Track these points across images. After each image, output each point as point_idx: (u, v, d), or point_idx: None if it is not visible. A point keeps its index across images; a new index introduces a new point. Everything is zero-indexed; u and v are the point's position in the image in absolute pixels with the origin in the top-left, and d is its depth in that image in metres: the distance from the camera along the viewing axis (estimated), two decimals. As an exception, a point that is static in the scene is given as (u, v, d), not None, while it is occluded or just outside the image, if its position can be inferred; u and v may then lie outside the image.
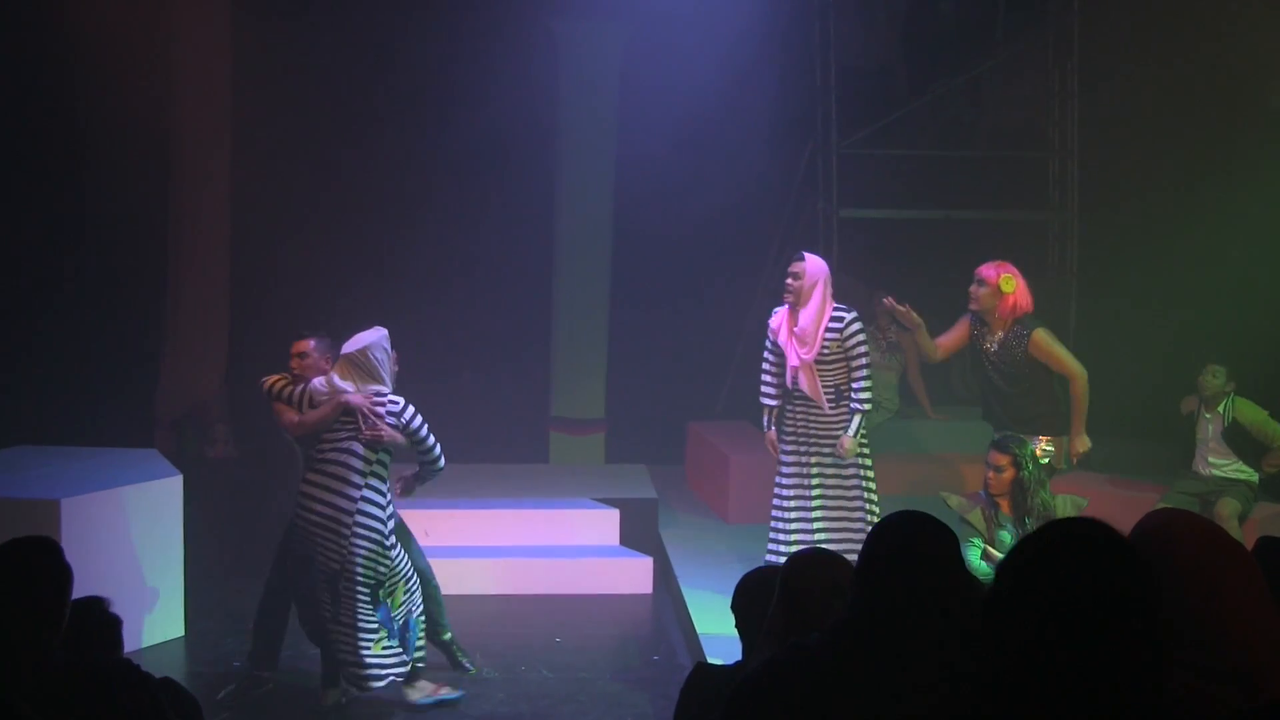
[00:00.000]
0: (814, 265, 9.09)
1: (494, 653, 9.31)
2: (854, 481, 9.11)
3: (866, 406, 9.02)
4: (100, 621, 4.90)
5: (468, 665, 8.96)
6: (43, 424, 12.04)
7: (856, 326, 9.00)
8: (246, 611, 9.07)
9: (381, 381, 8.11)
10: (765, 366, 9.36)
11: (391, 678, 8.17)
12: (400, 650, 8.19)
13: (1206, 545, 3.10)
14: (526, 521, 11.30)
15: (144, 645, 9.12)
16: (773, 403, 9.33)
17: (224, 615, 9.76)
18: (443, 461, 8.31)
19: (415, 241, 13.99)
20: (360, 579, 8.00)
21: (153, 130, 13.71)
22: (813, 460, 9.13)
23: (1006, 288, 8.77)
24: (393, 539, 8.17)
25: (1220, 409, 10.12)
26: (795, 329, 9.04)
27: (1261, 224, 11.59)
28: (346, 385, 8.05)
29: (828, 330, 8.97)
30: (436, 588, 8.82)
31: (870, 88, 13.74)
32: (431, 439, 8.20)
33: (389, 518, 8.15)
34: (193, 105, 13.81)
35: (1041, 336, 8.81)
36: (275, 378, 8.30)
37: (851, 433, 8.97)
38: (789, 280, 9.09)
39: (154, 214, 13.85)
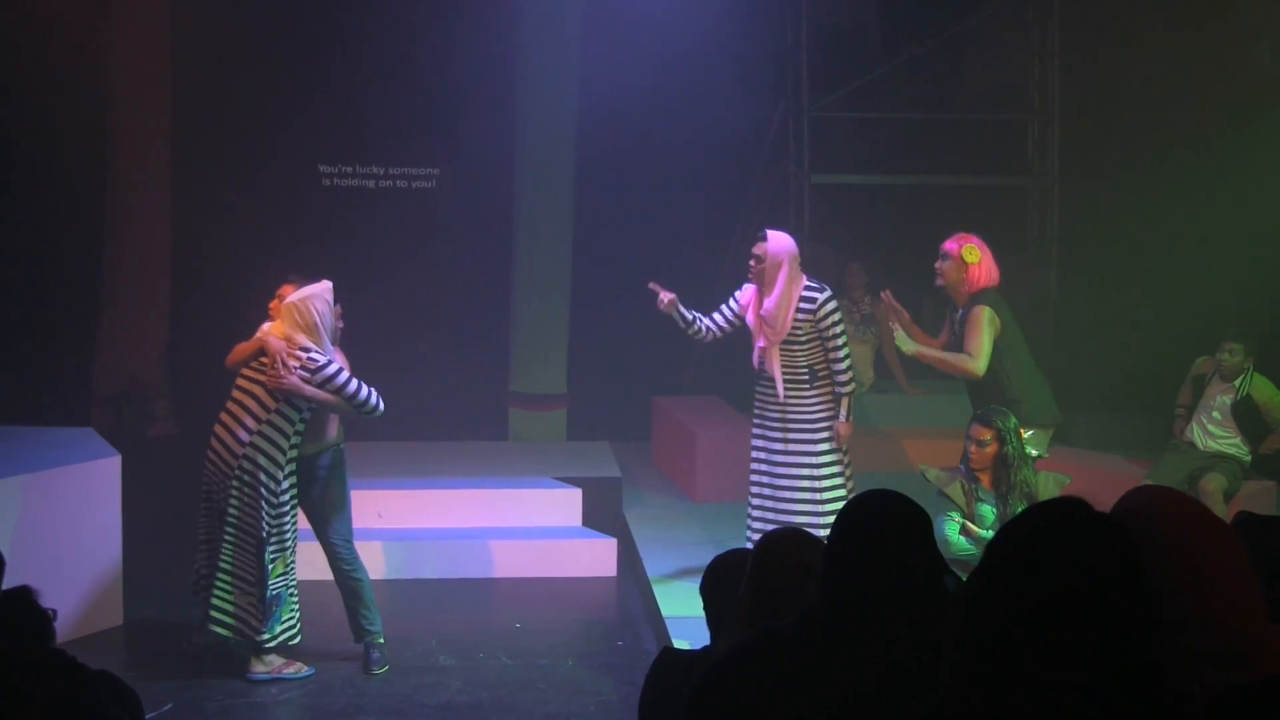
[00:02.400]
0: (777, 244, 8.84)
1: (451, 639, 9.19)
2: (813, 461, 8.89)
3: (850, 388, 8.86)
4: (30, 613, 4.74)
5: (377, 669, 8.68)
6: (-28, 401, 11.82)
7: (831, 306, 8.82)
8: (189, 599, 8.89)
9: (318, 334, 8.23)
10: (719, 313, 9.15)
11: (236, 637, 8.30)
12: (261, 618, 8.26)
13: (1189, 523, 3.06)
14: (485, 502, 11.16)
15: (80, 636, 8.88)
16: (708, 323, 9.12)
17: (165, 603, 9.53)
18: (379, 407, 8.31)
19: (367, 211, 13.81)
20: (240, 528, 8.18)
21: (90, 95, 13.53)
22: (788, 442, 8.94)
23: (970, 258, 8.57)
24: (284, 500, 8.26)
25: (1237, 383, 10.10)
26: (761, 312, 8.86)
27: (1250, 189, 11.42)
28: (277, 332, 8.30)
29: (799, 311, 8.76)
30: (364, 583, 8.68)
31: (844, 47, 13.70)
32: (362, 393, 8.24)
33: (285, 476, 8.25)
34: (130, 69, 13.66)
35: (976, 312, 8.50)
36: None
37: (843, 417, 8.83)
38: (751, 262, 8.93)
39: (90, 181, 13.68)
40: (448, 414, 13.12)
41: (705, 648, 4.17)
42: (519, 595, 10.18)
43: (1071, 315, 13.39)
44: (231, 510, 8.15)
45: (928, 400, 13.07)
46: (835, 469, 8.87)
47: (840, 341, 8.77)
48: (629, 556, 10.73)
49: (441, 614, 9.68)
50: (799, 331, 8.75)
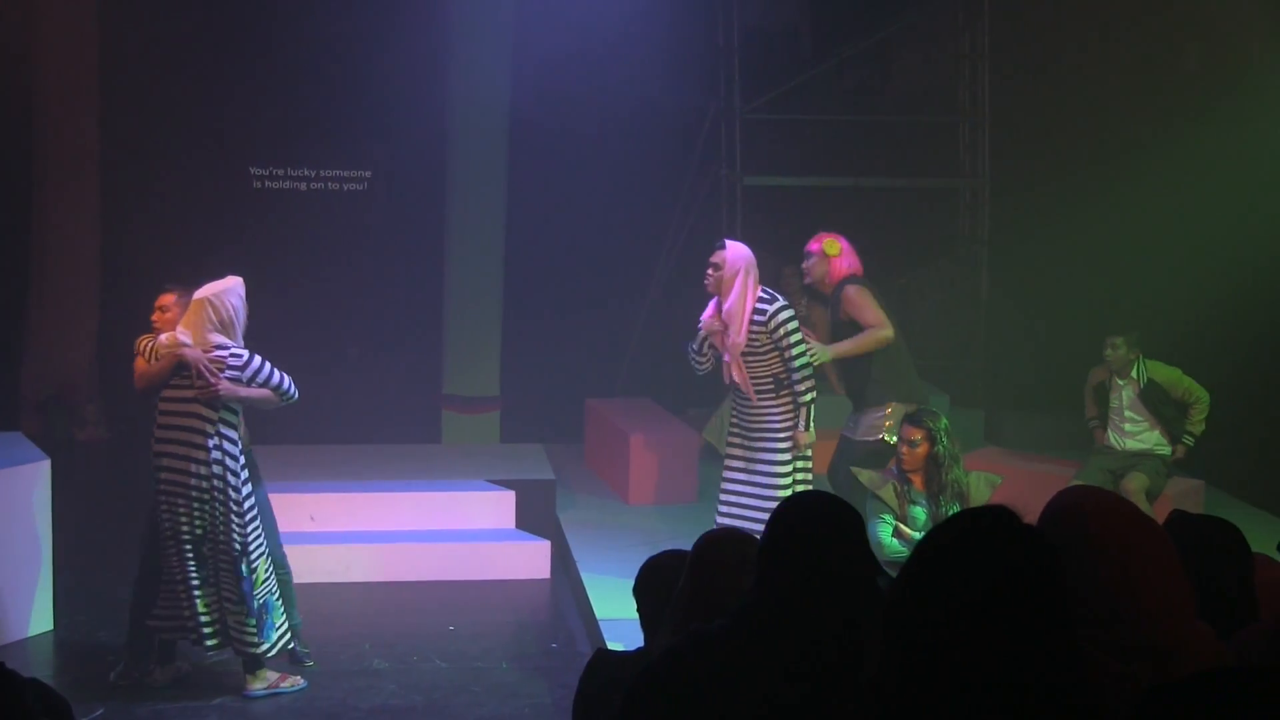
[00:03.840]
0: (734, 253, 8.74)
1: (384, 642, 9.13)
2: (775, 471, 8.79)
3: (809, 398, 8.69)
4: None
5: (307, 661, 8.69)
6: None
7: (784, 315, 8.66)
8: (120, 602, 8.91)
9: (232, 330, 7.97)
10: (692, 356, 9.10)
11: (233, 649, 8.09)
12: (255, 629, 8.04)
13: (1118, 521, 3.12)
14: (418, 504, 11.08)
15: (9, 641, 8.84)
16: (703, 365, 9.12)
17: (96, 607, 9.46)
18: (295, 393, 8.14)
19: (298, 213, 13.67)
20: (223, 544, 7.93)
21: (15, 96, 13.39)
22: (752, 449, 8.88)
23: (831, 250, 8.82)
24: (249, 506, 8.05)
25: (1134, 374, 10.18)
26: (721, 315, 8.76)
27: (1177, 190, 11.51)
28: (186, 336, 7.89)
29: (753, 322, 8.65)
30: (289, 578, 8.64)
31: (775, 49, 13.69)
32: (285, 383, 8.06)
33: (244, 482, 8.02)
34: (57, 71, 13.51)
35: (851, 290, 8.77)
36: (144, 336, 8.18)
37: (803, 426, 8.68)
38: (709, 270, 8.80)
39: (17, 184, 13.52)
40: (380, 417, 13.00)
41: (639, 649, 4.17)
42: (452, 598, 10.09)
43: (1001, 316, 13.44)
44: (203, 529, 7.89)
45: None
46: (791, 478, 8.83)
47: (795, 351, 8.63)
48: (562, 558, 10.68)
49: (375, 617, 9.61)
50: (756, 343, 8.65)
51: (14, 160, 13.49)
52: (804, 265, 8.94)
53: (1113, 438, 10.27)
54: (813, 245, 8.98)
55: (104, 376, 13.60)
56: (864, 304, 8.76)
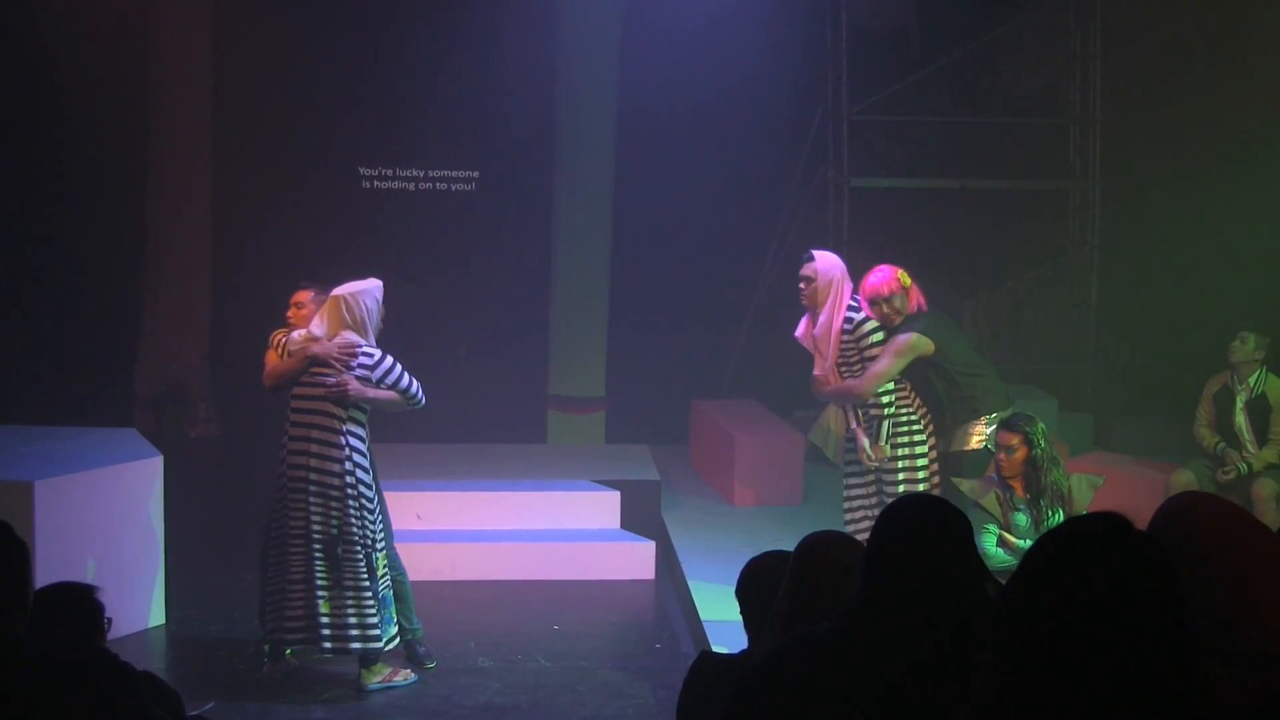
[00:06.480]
0: (825, 265, 8.51)
1: (490, 641, 9.15)
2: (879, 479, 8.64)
3: (888, 411, 8.43)
4: (82, 611, 4.84)
5: (428, 662, 8.70)
6: (16, 403, 11.89)
7: (869, 326, 8.43)
8: (230, 599, 9.10)
9: (365, 330, 8.02)
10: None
11: (373, 645, 8.09)
12: (379, 624, 8.10)
13: (1231, 527, 3.07)
14: (524, 504, 11.12)
15: (123, 634, 8.83)
16: None
17: (207, 602, 9.58)
18: (422, 399, 8.19)
19: (407, 213, 13.82)
20: (356, 541, 7.96)
21: (131, 99, 13.68)
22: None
23: (907, 281, 8.35)
24: (376, 503, 8.13)
25: (1251, 380, 9.85)
26: (816, 330, 8.57)
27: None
28: (321, 331, 7.96)
29: (842, 332, 8.46)
30: (405, 578, 8.63)
31: (883, 50, 13.61)
32: (414, 387, 8.11)
33: (372, 479, 8.09)
34: (173, 71, 13.74)
35: (901, 341, 8.28)
36: (279, 331, 8.27)
37: (882, 440, 8.41)
38: (801, 285, 8.56)
39: (133, 185, 13.81)
40: (486, 417, 13.05)
41: (743, 651, 4.19)
42: (557, 597, 10.10)
43: (1111, 320, 13.30)
44: (333, 528, 7.91)
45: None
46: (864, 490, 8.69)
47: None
48: (667, 559, 10.67)
49: (480, 616, 9.62)
50: (848, 353, 8.46)
51: (129, 163, 13.71)
52: (881, 310, 8.33)
53: (1232, 454, 9.84)
54: (879, 286, 8.32)
55: (215, 375, 13.81)
56: (894, 361, 8.27)
